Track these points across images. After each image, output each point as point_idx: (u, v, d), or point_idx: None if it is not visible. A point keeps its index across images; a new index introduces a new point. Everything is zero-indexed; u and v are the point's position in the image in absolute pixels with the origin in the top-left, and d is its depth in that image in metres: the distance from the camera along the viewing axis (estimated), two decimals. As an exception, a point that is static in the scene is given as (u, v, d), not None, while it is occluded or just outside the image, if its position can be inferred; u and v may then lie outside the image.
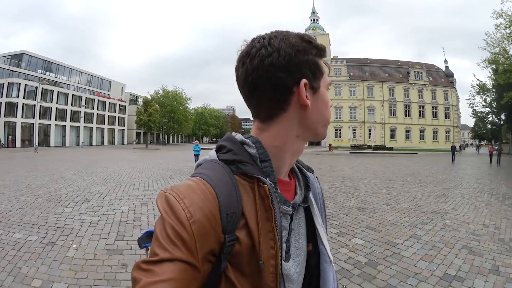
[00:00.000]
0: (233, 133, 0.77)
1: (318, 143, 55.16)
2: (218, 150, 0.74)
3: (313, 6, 66.54)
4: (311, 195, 0.83)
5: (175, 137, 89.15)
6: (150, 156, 29.12)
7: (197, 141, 20.60)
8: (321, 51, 0.73)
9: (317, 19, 64.91)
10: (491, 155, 26.62)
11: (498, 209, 7.81)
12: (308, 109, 0.70)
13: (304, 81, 0.69)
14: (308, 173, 0.86)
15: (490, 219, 6.76)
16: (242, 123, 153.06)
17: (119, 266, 4.04)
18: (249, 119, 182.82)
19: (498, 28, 17.69)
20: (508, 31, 17.31)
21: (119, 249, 4.65)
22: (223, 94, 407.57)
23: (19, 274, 3.70)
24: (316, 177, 0.93)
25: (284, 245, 0.69)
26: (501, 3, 17.22)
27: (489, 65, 22.05)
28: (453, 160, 25.83)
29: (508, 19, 16.84)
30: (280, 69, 0.67)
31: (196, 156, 18.59)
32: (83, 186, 10.29)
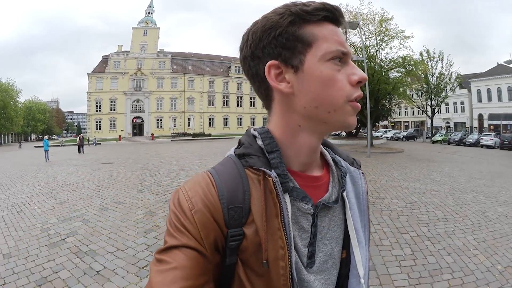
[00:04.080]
0: (253, 127, 0.73)
1: (140, 133, 56.81)
2: (238, 144, 0.71)
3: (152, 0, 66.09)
4: (351, 194, 0.74)
5: (5, 137, 73.42)
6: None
7: (46, 136, 20.81)
8: (300, 15, 0.59)
9: (152, 13, 64.24)
10: None
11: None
12: (292, 94, 0.61)
13: (268, 64, 0.61)
14: (352, 168, 0.77)
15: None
16: (66, 117, 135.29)
17: (72, 206, 6.93)
18: (73, 112, 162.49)
19: None
20: None
21: (62, 201, 7.35)
22: (47, 86, 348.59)
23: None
24: (362, 173, 0.79)
25: (305, 249, 0.63)
26: None
27: None
28: None
29: None
30: (251, 59, 0.63)
31: (46, 151, 18.98)
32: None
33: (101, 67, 57.08)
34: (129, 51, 58.96)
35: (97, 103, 55.54)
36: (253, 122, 66.61)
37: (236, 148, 0.70)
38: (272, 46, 0.61)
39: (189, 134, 51.70)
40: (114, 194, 7.88)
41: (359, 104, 0.61)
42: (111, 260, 4.06)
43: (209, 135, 52.65)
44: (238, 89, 65.89)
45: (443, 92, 43.87)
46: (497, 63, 49.94)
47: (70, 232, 5.11)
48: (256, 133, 0.68)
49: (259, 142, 0.66)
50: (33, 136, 54.41)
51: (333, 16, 0.60)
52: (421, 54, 42.23)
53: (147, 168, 13.34)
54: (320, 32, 0.60)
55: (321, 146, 0.73)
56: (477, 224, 5.70)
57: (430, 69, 43.07)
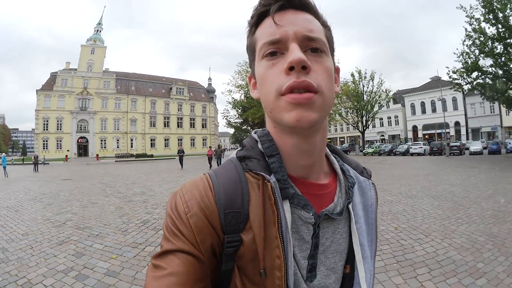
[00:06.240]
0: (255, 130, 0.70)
1: (85, 154, 56.43)
2: (241, 147, 0.70)
3: (102, 17, 66.70)
4: (359, 206, 0.70)
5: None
6: None
7: (4, 153, 21.94)
8: (249, 24, 0.62)
9: (100, 30, 64.91)
10: (210, 158, 25.76)
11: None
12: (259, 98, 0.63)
13: (248, 76, 0.68)
14: (361, 178, 0.73)
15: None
16: (12, 134, 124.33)
17: (58, 206, 9.39)
18: (18, 129, 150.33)
19: None
20: None
21: (48, 204, 9.69)
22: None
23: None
24: (373, 183, 0.75)
25: (304, 261, 0.60)
26: None
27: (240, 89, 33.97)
28: (181, 165, 25.83)
29: None
30: None
31: (5, 168, 20.26)
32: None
33: (50, 84, 56.22)
34: (76, 69, 58.56)
35: (44, 121, 54.58)
36: (193, 142, 69.20)
37: (238, 150, 0.69)
38: (249, 63, 0.67)
39: (132, 155, 52.71)
40: (87, 199, 10.25)
41: (301, 95, 0.53)
42: (103, 229, 6.46)
43: (151, 156, 53.81)
44: (178, 110, 68.24)
45: (375, 108, 45.66)
46: (430, 78, 55.40)
47: (66, 220, 7.36)
48: (256, 136, 0.67)
49: (259, 144, 0.65)
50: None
51: (269, 9, 0.57)
52: (352, 75, 45.63)
53: (104, 182, 15.73)
54: (259, 33, 0.59)
55: (328, 152, 0.72)
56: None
57: (362, 88, 45.34)
